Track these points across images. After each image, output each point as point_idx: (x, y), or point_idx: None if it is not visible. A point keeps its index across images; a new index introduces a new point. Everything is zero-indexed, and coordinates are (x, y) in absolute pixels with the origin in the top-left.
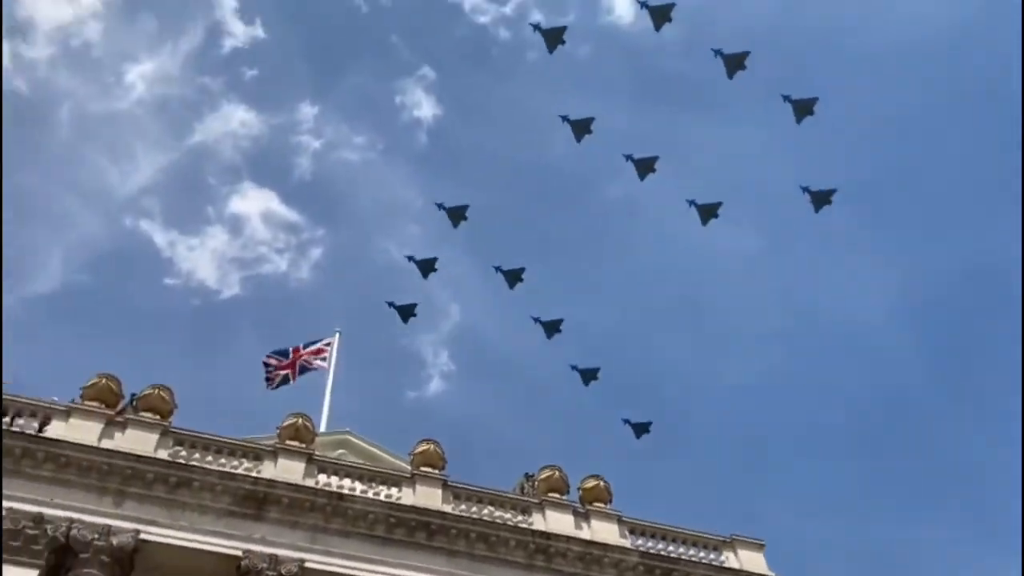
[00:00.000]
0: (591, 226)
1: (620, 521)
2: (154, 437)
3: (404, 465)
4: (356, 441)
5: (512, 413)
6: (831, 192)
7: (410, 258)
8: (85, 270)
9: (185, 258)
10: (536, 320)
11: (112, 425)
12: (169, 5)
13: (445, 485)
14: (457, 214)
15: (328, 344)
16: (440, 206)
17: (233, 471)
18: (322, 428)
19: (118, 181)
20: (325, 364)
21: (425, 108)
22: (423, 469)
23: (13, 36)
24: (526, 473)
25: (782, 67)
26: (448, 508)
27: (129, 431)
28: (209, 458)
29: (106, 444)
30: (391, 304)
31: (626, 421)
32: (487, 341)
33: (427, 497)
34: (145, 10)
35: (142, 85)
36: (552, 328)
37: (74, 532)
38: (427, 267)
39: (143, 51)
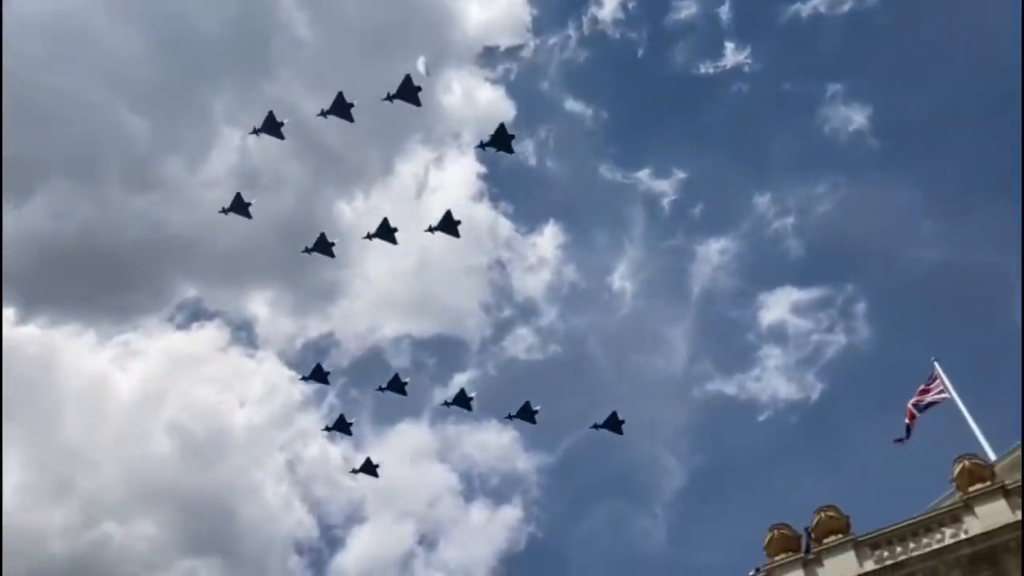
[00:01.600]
0: None
1: None
2: (850, 554)
3: None
4: None
5: None
6: None
7: None
8: (696, 452)
9: (760, 390)
10: None
11: (811, 564)
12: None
13: None
14: None
15: (934, 378)
16: None
17: (944, 544)
18: (991, 456)
19: (665, 364)
20: (945, 394)
21: (856, 117)
22: None
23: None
24: None
25: None
26: None
27: (827, 562)
28: (912, 545)
29: None
30: None
31: (595, 426)
32: None
33: None
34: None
35: (628, 285)
36: None
37: None
38: None
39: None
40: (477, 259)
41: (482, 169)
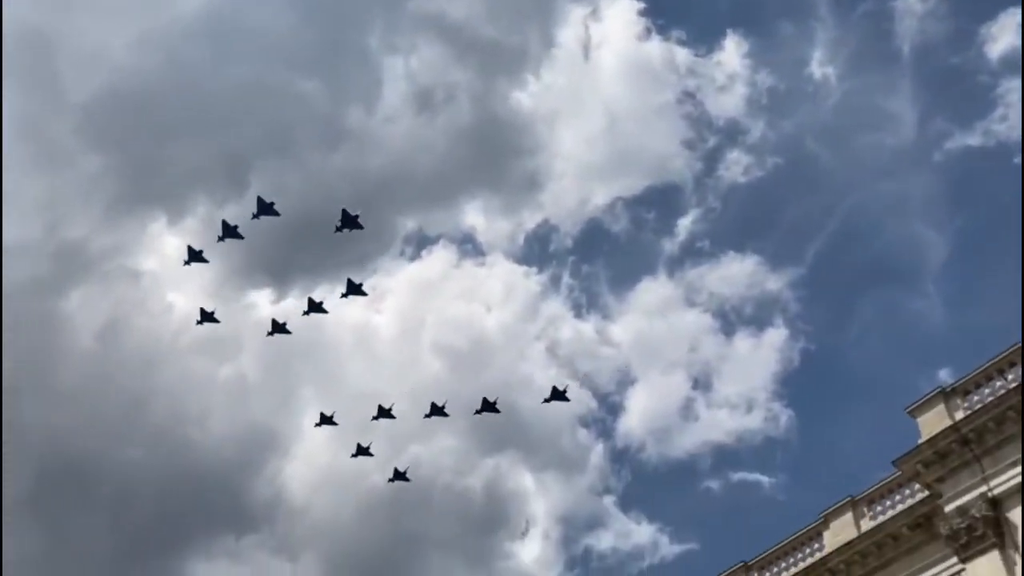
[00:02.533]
0: None
1: None
2: None
3: None
4: None
5: None
6: None
7: None
8: (955, 216)
9: (1008, 131)
10: None
11: None
12: None
13: None
14: None
15: None
16: None
17: None
18: None
19: (894, 137)
20: None
21: None
22: None
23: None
24: None
25: None
26: None
27: None
28: None
29: None
30: None
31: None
32: None
33: None
34: None
35: (830, 69)
36: None
37: None
38: None
39: None
40: (663, 97)
41: (641, 5)
